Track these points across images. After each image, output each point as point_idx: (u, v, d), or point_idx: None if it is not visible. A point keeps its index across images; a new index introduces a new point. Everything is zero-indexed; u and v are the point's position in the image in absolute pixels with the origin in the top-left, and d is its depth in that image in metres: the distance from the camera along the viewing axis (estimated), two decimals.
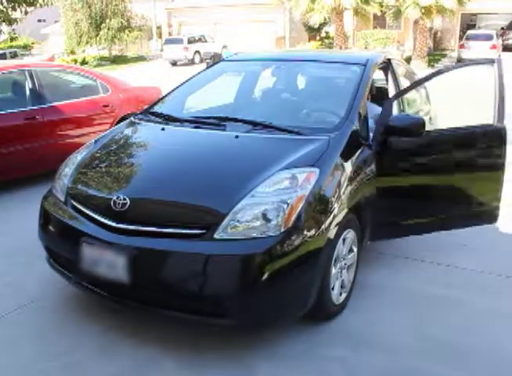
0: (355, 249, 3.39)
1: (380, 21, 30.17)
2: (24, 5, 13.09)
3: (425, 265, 4.20)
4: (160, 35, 37.95)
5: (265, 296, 2.68)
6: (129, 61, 32.78)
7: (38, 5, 13.63)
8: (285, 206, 2.70)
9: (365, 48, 27.87)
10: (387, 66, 4.36)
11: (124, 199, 2.85)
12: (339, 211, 2.98)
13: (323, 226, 2.83)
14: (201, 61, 28.09)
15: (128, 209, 2.81)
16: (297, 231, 2.70)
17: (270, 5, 29.58)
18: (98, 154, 3.53)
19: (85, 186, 3.26)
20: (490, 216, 4.10)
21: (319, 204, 2.86)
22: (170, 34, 36.04)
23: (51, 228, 3.32)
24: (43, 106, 6.32)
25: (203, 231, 2.68)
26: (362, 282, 3.92)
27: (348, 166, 3.20)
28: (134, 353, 2.99)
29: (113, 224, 2.84)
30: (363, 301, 3.65)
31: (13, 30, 35.07)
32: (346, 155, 3.21)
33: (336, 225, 2.94)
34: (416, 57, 23.90)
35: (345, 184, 3.10)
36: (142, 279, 2.77)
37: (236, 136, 3.31)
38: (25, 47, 41.13)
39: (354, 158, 3.29)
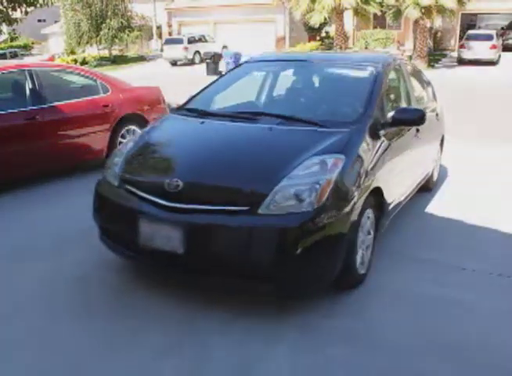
0: (373, 226, 3.84)
1: (380, 21, 30.17)
2: (24, 5, 13.06)
3: (426, 265, 4.20)
4: (160, 35, 37.95)
5: (299, 264, 3.10)
6: (129, 61, 32.76)
7: (38, 5, 13.60)
8: (317, 186, 3.14)
9: (366, 48, 27.88)
10: (399, 67, 4.90)
11: (177, 181, 3.25)
12: (361, 193, 3.42)
13: (349, 205, 3.27)
14: (201, 61, 28.05)
15: (181, 190, 3.23)
16: (327, 208, 3.13)
17: (270, 5, 29.60)
18: (144, 145, 3.97)
19: (137, 171, 3.71)
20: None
21: (345, 186, 3.30)
22: (170, 34, 36.03)
23: (106, 209, 3.77)
24: (43, 106, 6.32)
25: (248, 208, 3.11)
26: (361, 281, 3.93)
27: (368, 154, 3.63)
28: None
29: (168, 203, 3.24)
30: (363, 301, 3.65)
31: (13, 30, 35.12)
32: (366, 144, 3.65)
33: (359, 205, 3.38)
34: (416, 57, 23.88)
35: (366, 170, 3.54)
36: (194, 249, 3.20)
37: (270, 128, 3.78)
38: (25, 47, 41.16)
39: (372, 147, 3.72)
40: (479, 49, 24.34)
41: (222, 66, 24.13)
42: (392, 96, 4.64)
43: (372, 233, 3.80)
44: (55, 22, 39.15)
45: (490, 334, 3.25)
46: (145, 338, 3.16)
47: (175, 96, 13.40)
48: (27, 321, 3.39)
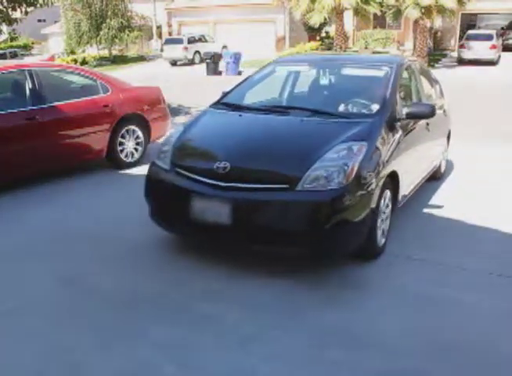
0: (390, 205, 4.32)
1: (380, 21, 30.15)
2: (24, 5, 13.04)
3: (426, 265, 4.20)
4: (160, 35, 37.90)
5: (330, 232, 3.65)
6: (129, 61, 32.73)
7: (38, 5, 13.58)
8: (345, 168, 3.70)
9: (366, 48, 27.88)
10: (410, 67, 5.47)
11: (225, 164, 3.81)
12: (381, 174, 3.98)
13: (372, 184, 3.84)
14: (201, 61, 28.01)
15: (229, 172, 3.79)
16: (353, 186, 3.69)
17: (270, 5, 29.55)
18: (190, 135, 4.51)
19: (187, 157, 4.28)
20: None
21: (368, 168, 3.84)
22: (170, 34, 35.97)
23: (158, 190, 4.29)
24: (43, 106, 6.32)
25: (287, 186, 3.67)
26: (362, 282, 3.93)
27: (386, 142, 4.18)
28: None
29: (218, 183, 3.79)
30: (364, 301, 3.66)
31: (13, 30, 35.08)
32: (384, 134, 4.21)
33: (380, 184, 3.94)
34: (416, 57, 23.83)
35: (385, 156, 4.09)
36: (241, 221, 3.75)
37: (302, 120, 4.37)
38: (25, 47, 41.13)
39: (390, 137, 4.27)
40: (479, 49, 24.32)
41: (222, 67, 24.13)
42: (405, 93, 5.12)
43: (389, 211, 4.33)
44: (55, 22, 39.10)
45: (490, 334, 3.25)
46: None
47: (176, 96, 13.44)
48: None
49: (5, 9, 12.82)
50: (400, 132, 4.46)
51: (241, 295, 3.71)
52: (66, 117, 6.52)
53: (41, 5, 13.63)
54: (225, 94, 5.23)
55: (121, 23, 31.53)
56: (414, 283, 3.91)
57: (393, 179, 4.27)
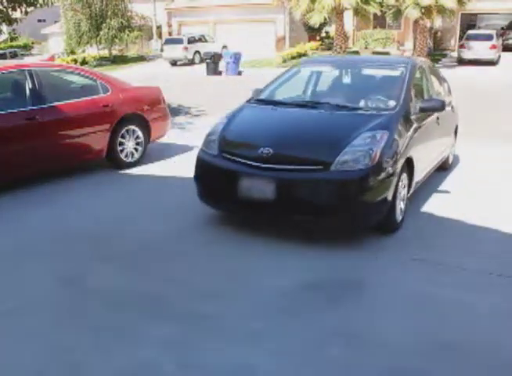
0: (407, 187, 4.94)
1: (380, 21, 30.12)
2: (24, 5, 13.03)
3: (426, 265, 4.20)
4: (160, 35, 37.86)
5: (357, 206, 4.33)
6: (129, 61, 32.70)
7: (38, 5, 13.56)
8: (371, 152, 4.34)
9: (366, 48, 27.85)
10: (422, 67, 6.03)
11: (269, 149, 4.45)
12: (400, 159, 4.60)
13: (393, 166, 4.46)
14: (201, 61, 27.97)
15: (272, 156, 4.42)
16: (377, 168, 4.34)
17: (270, 5, 29.51)
18: (233, 125, 5.07)
19: (233, 144, 4.87)
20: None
21: (389, 153, 4.47)
22: (170, 34, 35.93)
23: (207, 173, 4.89)
24: (43, 106, 6.32)
25: (322, 167, 4.33)
26: (362, 282, 3.93)
27: (403, 132, 4.82)
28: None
29: (263, 165, 4.42)
30: (364, 301, 3.66)
31: (13, 30, 35.05)
32: (401, 125, 4.85)
33: (399, 167, 4.56)
34: (416, 57, 23.86)
35: (402, 143, 4.70)
36: (283, 197, 4.37)
37: (331, 113, 5.03)
38: (25, 47, 41.11)
39: (406, 127, 4.90)
40: (479, 49, 24.29)
41: (222, 67, 24.12)
42: (418, 90, 5.66)
43: (406, 192, 4.91)
44: (55, 22, 39.05)
45: (490, 334, 3.25)
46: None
47: (176, 96, 13.44)
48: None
49: (5, 9, 12.81)
50: (414, 124, 5.08)
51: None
52: (66, 117, 6.52)
53: (41, 5, 13.62)
54: (258, 92, 5.83)
55: (121, 23, 31.49)
56: (414, 282, 3.91)
57: (409, 165, 4.88)
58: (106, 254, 4.46)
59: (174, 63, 29.46)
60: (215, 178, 4.79)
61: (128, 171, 7.12)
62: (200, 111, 12.54)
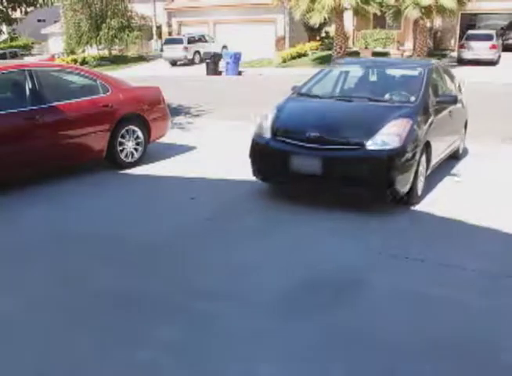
0: (425, 167, 5.82)
1: (380, 21, 30.07)
2: (24, 5, 13.02)
3: (425, 265, 4.20)
4: (160, 35, 37.85)
5: (387, 179, 5.18)
6: (129, 61, 32.71)
7: (38, 5, 13.55)
8: (398, 135, 5.26)
9: (366, 48, 27.83)
10: (437, 68, 7.03)
11: (316, 132, 5.35)
12: (421, 142, 5.51)
13: (415, 148, 5.37)
14: (201, 61, 27.98)
15: (318, 138, 5.32)
16: (404, 148, 5.24)
17: (270, 5, 29.42)
18: (283, 114, 5.95)
19: (284, 129, 5.71)
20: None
21: (412, 137, 5.37)
22: (170, 34, 35.90)
23: (262, 154, 5.78)
24: (43, 106, 6.31)
25: (360, 146, 5.24)
26: (362, 281, 3.93)
27: (423, 121, 5.71)
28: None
29: (311, 145, 5.34)
30: (364, 301, 3.66)
31: (13, 30, 35.00)
32: (421, 115, 5.76)
33: (420, 149, 5.47)
34: (416, 57, 23.84)
35: (422, 130, 5.62)
36: (327, 171, 5.27)
37: (364, 104, 6.04)
38: (25, 47, 41.08)
39: (425, 117, 5.80)
40: (479, 49, 24.29)
41: (222, 67, 24.12)
42: (434, 87, 6.49)
43: (425, 172, 5.78)
44: (55, 22, 39.03)
45: (490, 334, 3.24)
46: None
47: (176, 96, 13.43)
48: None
49: (5, 9, 12.80)
50: (432, 115, 5.95)
51: None
52: (66, 117, 6.51)
53: (41, 5, 13.61)
54: (297, 88, 6.74)
55: (121, 23, 31.52)
56: (414, 282, 3.91)
57: (427, 148, 5.72)
58: (106, 254, 4.46)
59: (174, 63, 29.47)
60: (270, 157, 5.70)
61: (127, 171, 7.12)
62: (199, 111, 12.53)
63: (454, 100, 6.43)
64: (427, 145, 5.69)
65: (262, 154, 5.76)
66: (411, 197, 5.50)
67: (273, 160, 5.64)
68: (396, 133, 5.26)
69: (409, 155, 5.27)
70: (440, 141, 6.22)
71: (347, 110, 5.98)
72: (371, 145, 5.20)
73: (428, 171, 5.93)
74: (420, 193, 5.66)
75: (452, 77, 7.60)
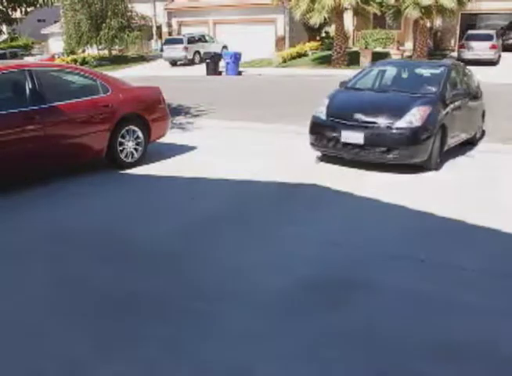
0: (440, 144, 7.28)
1: (380, 21, 30.07)
2: (24, 5, 13.01)
3: (425, 265, 4.21)
4: (160, 35, 37.84)
5: (412, 148, 6.80)
6: (129, 61, 32.70)
7: (38, 5, 13.54)
8: (420, 117, 6.88)
9: (366, 48, 27.79)
10: (457, 67, 8.76)
11: (359, 114, 7.06)
12: (437, 124, 7.05)
13: (432, 127, 6.95)
14: (201, 61, 27.96)
15: (361, 117, 7.02)
16: (424, 126, 6.85)
17: (270, 5, 29.42)
18: (334, 101, 7.71)
19: (336, 111, 7.40)
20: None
21: (430, 119, 6.94)
22: (170, 34, 35.88)
23: (318, 130, 7.46)
24: (43, 106, 6.32)
25: (391, 125, 6.90)
26: (362, 281, 3.93)
27: (440, 108, 7.26)
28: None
29: (355, 123, 7.02)
30: (364, 301, 3.66)
31: (13, 30, 34.99)
32: (439, 103, 7.30)
33: (436, 128, 7.01)
34: (417, 57, 23.83)
35: (439, 114, 7.15)
36: (368, 141, 6.88)
37: (395, 94, 7.72)
38: (25, 47, 41.05)
39: (442, 106, 7.33)
40: (479, 49, 24.28)
41: (222, 67, 24.12)
42: (453, 82, 8.03)
43: (440, 145, 7.24)
44: (55, 22, 38.99)
45: (490, 334, 3.25)
46: None
47: (176, 96, 13.43)
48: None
49: (5, 9, 12.80)
50: (449, 104, 7.46)
51: None
52: (66, 117, 6.51)
53: (41, 5, 13.60)
54: (344, 83, 8.53)
55: (121, 23, 31.48)
56: (414, 282, 3.91)
57: (443, 129, 7.21)
58: (106, 254, 4.46)
59: (174, 63, 29.46)
60: (325, 133, 7.37)
61: (127, 171, 7.12)
62: (199, 111, 12.54)
63: (467, 94, 8.08)
64: (443, 127, 7.22)
65: (319, 131, 7.48)
66: (428, 165, 7.05)
67: (327, 134, 7.31)
68: (418, 115, 6.91)
69: (427, 132, 6.88)
70: (455, 125, 7.62)
71: (382, 98, 7.82)
72: (400, 123, 6.89)
73: (445, 148, 7.42)
74: (438, 161, 7.21)
75: (470, 76, 9.11)
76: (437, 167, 7.16)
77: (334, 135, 7.16)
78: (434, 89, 7.57)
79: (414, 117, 6.87)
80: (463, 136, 8.13)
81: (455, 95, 7.61)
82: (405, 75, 8.73)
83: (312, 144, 7.65)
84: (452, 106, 7.48)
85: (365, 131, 6.91)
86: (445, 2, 22.11)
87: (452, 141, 7.60)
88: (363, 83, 8.50)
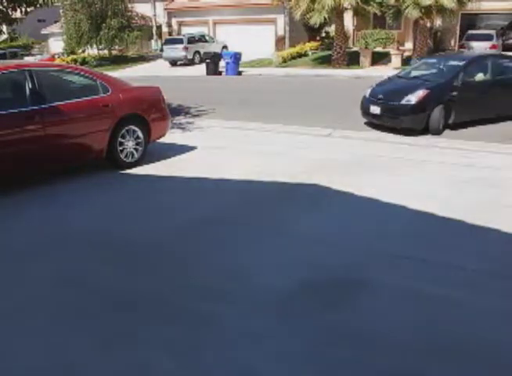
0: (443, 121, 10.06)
1: (380, 21, 30.06)
2: (24, 5, 13.02)
3: (425, 264, 4.20)
4: (160, 35, 37.84)
5: (412, 117, 9.88)
6: (129, 61, 32.72)
7: (38, 5, 13.56)
8: (417, 97, 9.88)
9: (366, 48, 27.79)
10: (477, 61, 11.08)
11: (381, 95, 10.49)
12: (434, 102, 9.86)
13: (428, 104, 9.82)
14: (201, 61, 27.97)
15: (382, 98, 10.43)
16: (421, 103, 9.81)
17: (270, 5, 29.44)
18: (375, 86, 11.09)
19: (373, 94, 10.64)
20: None
21: (427, 98, 9.86)
22: (170, 34, 35.89)
23: (365, 104, 10.64)
24: (43, 106, 6.32)
25: (398, 102, 10.07)
26: (362, 281, 3.93)
27: (442, 91, 10.08)
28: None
29: (379, 101, 10.41)
30: (364, 301, 3.66)
31: (13, 30, 34.96)
32: (443, 88, 10.16)
33: (432, 105, 9.82)
34: (417, 57, 23.82)
35: (440, 95, 10.00)
36: (384, 112, 10.22)
37: (412, 81, 10.86)
38: (25, 47, 41.06)
39: (450, 90, 10.04)
40: (479, 49, 24.27)
41: (222, 67, 24.11)
42: (469, 73, 10.42)
43: (441, 118, 9.87)
44: (55, 22, 39.00)
45: (490, 334, 3.24)
46: None
47: (176, 96, 13.44)
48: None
49: (5, 9, 12.81)
50: (455, 89, 9.93)
51: None
52: (66, 117, 6.52)
53: (41, 5, 13.62)
54: (396, 74, 11.97)
55: (121, 23, 31.48)
56: (414, 282, 3.91)
57: (446, 107, 9.78)
58: (106, 254, 4.46)
59: (174, 63, 29.46)
60: (365, 106, 10.56)
61: (127, 171, 7.12)
62: (199, 111, 12.54)
63: (476, 84, 10.36)
64: (447, 105, 9.76)
65: (364, 105, 10.64)
66: (429, 131, 9.67)
67: (366, 107, 10.55)
68: (419, 96, 9.70)
69: (423, 106, 9.63)
70: (468, 104, 10.07)
71: (402, 84, 10.74)
72: (404, 101, 9.78)
73: (451, 120, 9.87)
74: (440, 126, 9.72)
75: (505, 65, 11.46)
76: (438, 132, 9.66)
77: (368, 108, 10.47)
78: (444, 78, 10.30)
79: (413, 97, 9.76)
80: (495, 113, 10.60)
81: (465, 82, 10.02)
82: (441, 66, 11.38)
83: (362, 114, 10.83)
84: (459, 90, 9.88)
85: (381, 105, 10.14)
86: (445, 2, 22.12)
87: (466, 117, 10.10)
88: (406, 73, 11.78)
